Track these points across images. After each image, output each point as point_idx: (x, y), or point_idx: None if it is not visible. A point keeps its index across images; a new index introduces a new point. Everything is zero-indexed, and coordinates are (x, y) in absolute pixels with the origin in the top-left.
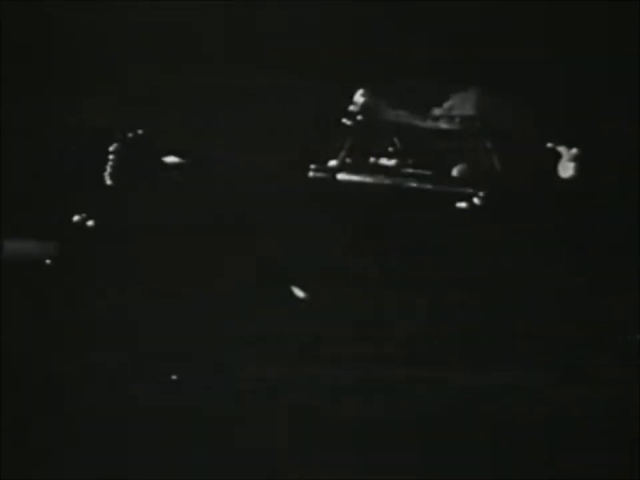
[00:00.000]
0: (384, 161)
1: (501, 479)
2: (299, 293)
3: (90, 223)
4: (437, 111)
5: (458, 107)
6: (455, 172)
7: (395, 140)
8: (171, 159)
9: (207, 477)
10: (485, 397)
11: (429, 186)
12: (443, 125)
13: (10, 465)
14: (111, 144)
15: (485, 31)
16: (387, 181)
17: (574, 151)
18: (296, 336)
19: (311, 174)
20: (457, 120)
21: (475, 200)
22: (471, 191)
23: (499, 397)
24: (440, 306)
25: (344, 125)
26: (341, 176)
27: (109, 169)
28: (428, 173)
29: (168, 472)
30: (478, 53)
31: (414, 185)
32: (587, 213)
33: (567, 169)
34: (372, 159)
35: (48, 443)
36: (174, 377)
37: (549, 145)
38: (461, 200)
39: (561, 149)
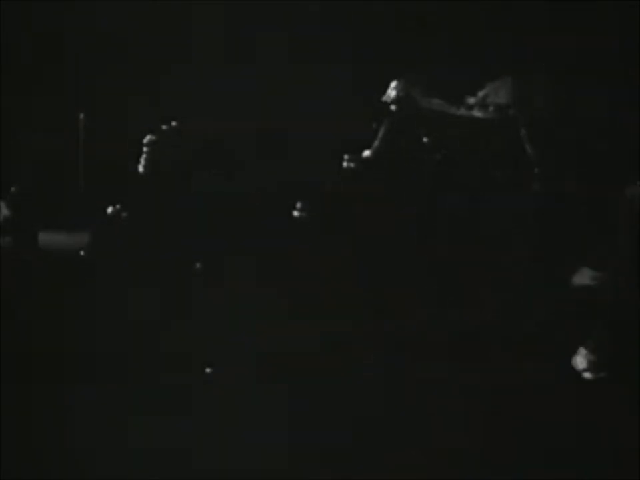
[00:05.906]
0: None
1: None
2: None
3: (124, 214)
4: (471, 100)
5: (492, 95)
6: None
7: (429, 129)
8: (204, 150)
9: None
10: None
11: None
12: (477, 114)
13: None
14: (144, 135)
15: (519, 18)
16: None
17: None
18: None
19: (344, 164)
20: (491, 108)
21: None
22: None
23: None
24: None
25: (378, 113)
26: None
27: (142, 161)
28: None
29: None
30: (513, 41)
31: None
32: None
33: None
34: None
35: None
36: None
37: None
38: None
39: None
